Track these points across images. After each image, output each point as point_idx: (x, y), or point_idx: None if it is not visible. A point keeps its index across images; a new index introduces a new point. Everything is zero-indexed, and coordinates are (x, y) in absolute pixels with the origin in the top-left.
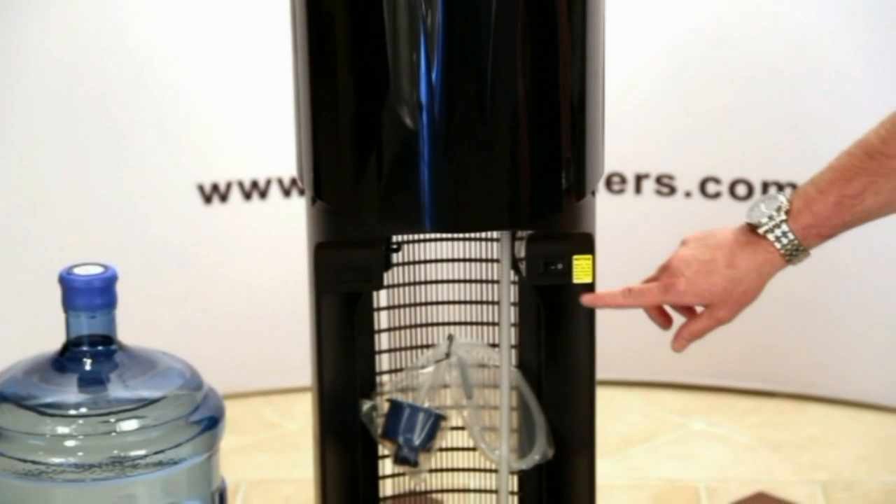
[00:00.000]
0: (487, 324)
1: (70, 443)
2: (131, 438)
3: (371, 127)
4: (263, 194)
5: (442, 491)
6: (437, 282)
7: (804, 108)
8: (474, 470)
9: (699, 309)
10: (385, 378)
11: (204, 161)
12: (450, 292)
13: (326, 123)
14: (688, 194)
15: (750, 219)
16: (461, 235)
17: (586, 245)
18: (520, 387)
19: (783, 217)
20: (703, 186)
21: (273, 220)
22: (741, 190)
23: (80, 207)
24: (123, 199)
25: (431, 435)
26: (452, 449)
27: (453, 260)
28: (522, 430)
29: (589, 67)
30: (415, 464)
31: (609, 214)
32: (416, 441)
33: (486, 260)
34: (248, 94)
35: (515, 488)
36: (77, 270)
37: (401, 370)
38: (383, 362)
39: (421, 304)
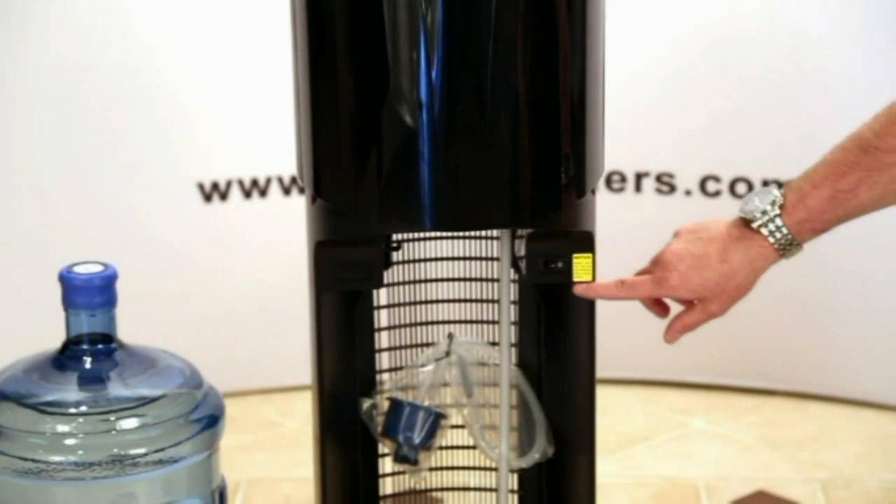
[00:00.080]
0: (487, 322)
1: (70, 441)
2: (131, 437)
3: (371, 125)
4: (263, 193)
5: (442, 489)
6: (437, 280)
7: (804, 106)
8: (474, 468)
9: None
10: (385, 376)
11: (204, 159)
12: (450, 291)
13: (326, 122)
14: (688, 193)
15: (743, 213)
16: (461, 234)
17: (586, 243)
18: (520, 385)
19: (777, 211)
20: (703, 185)
21: (273, 218)
22: (741, 188)
23: (80, 206)
24: (123, 198)
25: (431, 433)
26: (452, 447)
27: (453, 258)
28: (522, 428)
29: (589, 65)
30: (415, 462)
31: (609, 213)
32: (416, 439)
33: (486, 258)
34: (248, 93)
35: (515, 487)
36: (77, 269)
37: (401, 368)
38: (383, 361)
39: (421, 302)
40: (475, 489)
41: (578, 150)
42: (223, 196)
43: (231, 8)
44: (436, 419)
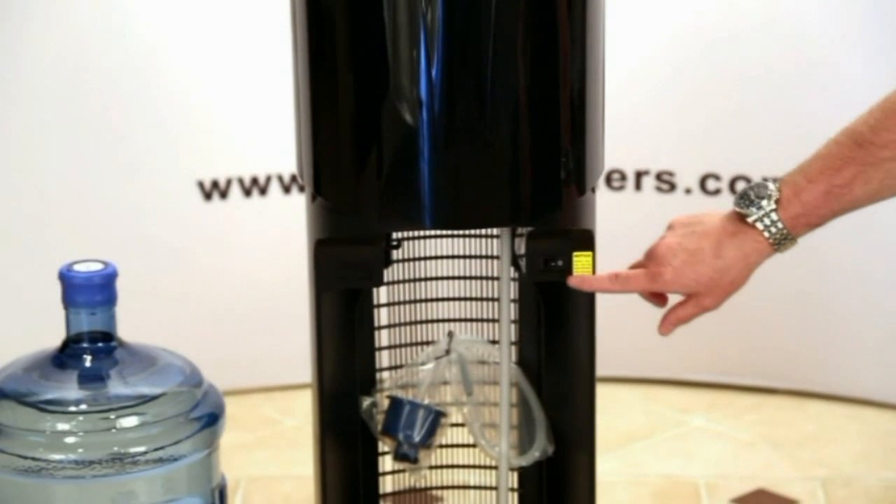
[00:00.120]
0: (487, 320)
1: (70, 439)
2: (131, 435)
3: (371, 124)
4: (263, 191)
5: (442, 487)
6: (437, 278)
7: (803, 105)
8: (474, 467)
9: None
10: (385, 375)
11: (204, 158)
12: (450, 289)
13: (326, 120)
14: (688, 191)
15: (738, 207)
16: (461, 232)
17: (586, 242)
18: (520, 383)
19: (773, 206)
20: (703, 183)
21: (273, 216)
22: (741, 187)
23: (81, 204)
24: (123, 196)
25: (431, 431)
26: (452, 445)
27: (453, 257)
28: (522, 426)
29: (589, 64)
30: (415, 460)
31: (609, 211)
32: (416, 438)
33: (486, 257)
34: (248, 91)
35: (515, 485)
36: (77, 267)
37: (401, 367)
38: (383, 359)
39: (421, 300)
40: (475, 487)
41: (578, 148)
42: (223, 195)
43: (231, 8)
44: (436, 417)
